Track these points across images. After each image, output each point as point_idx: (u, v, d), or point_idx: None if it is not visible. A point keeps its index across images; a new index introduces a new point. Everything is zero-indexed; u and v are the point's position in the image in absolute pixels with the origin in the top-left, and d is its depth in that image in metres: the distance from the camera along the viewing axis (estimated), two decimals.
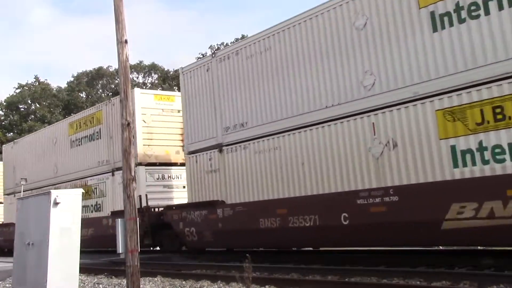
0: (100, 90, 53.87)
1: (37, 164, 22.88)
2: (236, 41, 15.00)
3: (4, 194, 26.35)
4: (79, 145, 20.04)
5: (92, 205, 18.75)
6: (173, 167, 17.54)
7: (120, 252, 8.29)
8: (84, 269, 12.22)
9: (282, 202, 12.06)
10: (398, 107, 9.99)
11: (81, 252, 8.36)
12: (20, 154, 24.90)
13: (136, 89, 17.37)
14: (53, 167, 21.56)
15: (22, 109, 51.20)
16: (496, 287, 7.48)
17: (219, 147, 13.87)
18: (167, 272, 11.76)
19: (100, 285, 10.89)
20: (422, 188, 9.45)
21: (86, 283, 11.20)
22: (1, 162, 28.42)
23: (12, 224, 20.46)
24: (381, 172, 10.21)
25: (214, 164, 14.07)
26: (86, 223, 16.04)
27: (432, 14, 9.62)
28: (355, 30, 10.91)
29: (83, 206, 15.63)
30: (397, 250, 12.12)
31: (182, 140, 16.58)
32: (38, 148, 23.11)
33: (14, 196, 23.87)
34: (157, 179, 17.18)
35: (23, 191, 22.33)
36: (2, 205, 26.51)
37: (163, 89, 47.00)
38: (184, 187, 16.36)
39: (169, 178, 17.43)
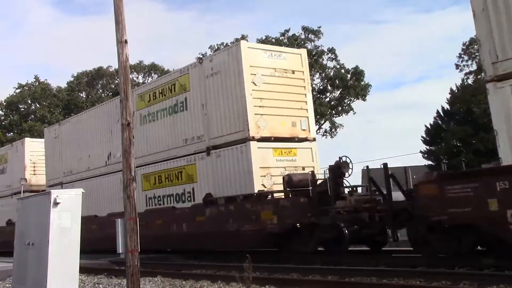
0: (100, 90, 53.80)
1: None
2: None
3: None
4: None
5: None
6: None
7: (120, 252, 8.27)
8: (84, 269, 12.21)
9: None
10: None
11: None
12: None
13: None
14: None
15: (22, 109, 51.11)
16: (496, 287, 7.49)
17: None
18: (167, 272, 11.77)
19: (100, 285, 10.89)
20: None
21: (86, 283, 11.19)
22: None
23: None
24: None
25: None
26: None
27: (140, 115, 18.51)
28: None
29: None
30: (397, 250, 12.11)
31: None
32: None
33: None
34: None
35: None
36: None
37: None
38: None
39: None
